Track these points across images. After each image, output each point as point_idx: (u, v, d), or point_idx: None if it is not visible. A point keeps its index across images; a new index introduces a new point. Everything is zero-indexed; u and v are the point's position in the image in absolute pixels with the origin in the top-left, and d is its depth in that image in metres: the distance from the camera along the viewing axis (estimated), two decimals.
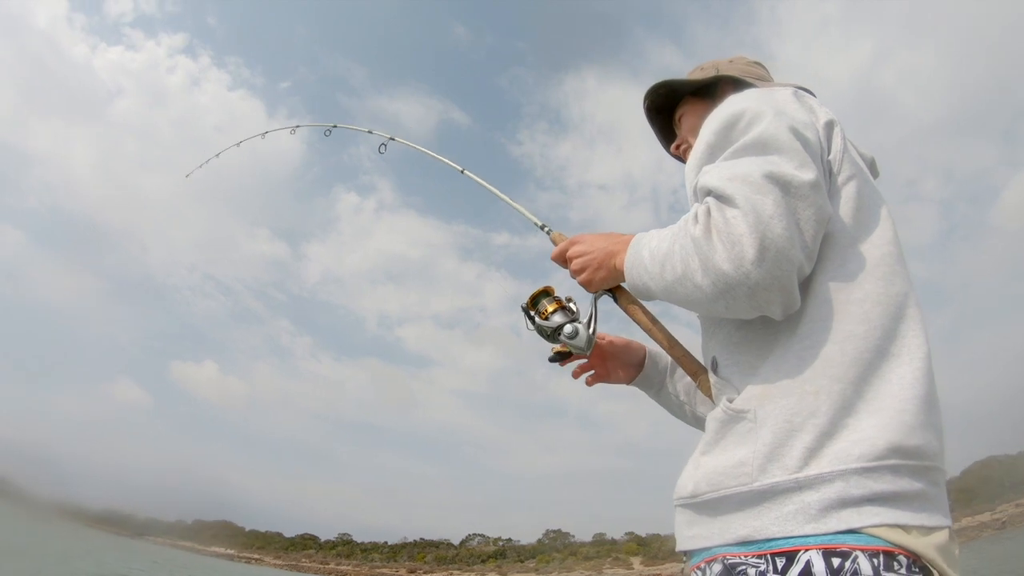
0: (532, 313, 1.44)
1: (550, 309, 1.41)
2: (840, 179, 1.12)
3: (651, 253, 1.12)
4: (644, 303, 1.34)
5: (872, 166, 1.28)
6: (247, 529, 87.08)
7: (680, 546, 1.13)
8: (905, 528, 0.91)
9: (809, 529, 0.91)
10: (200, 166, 2.97)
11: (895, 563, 0.88)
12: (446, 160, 1.93)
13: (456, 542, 78.49)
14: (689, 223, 1.05)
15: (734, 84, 1.46)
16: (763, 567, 0.94)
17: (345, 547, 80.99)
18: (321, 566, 74.49)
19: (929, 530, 0.92)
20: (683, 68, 1.55)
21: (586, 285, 1.34)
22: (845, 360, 0.99)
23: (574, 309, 1.42)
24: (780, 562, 0.92)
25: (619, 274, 1.25)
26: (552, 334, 1.39)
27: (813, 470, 0.94)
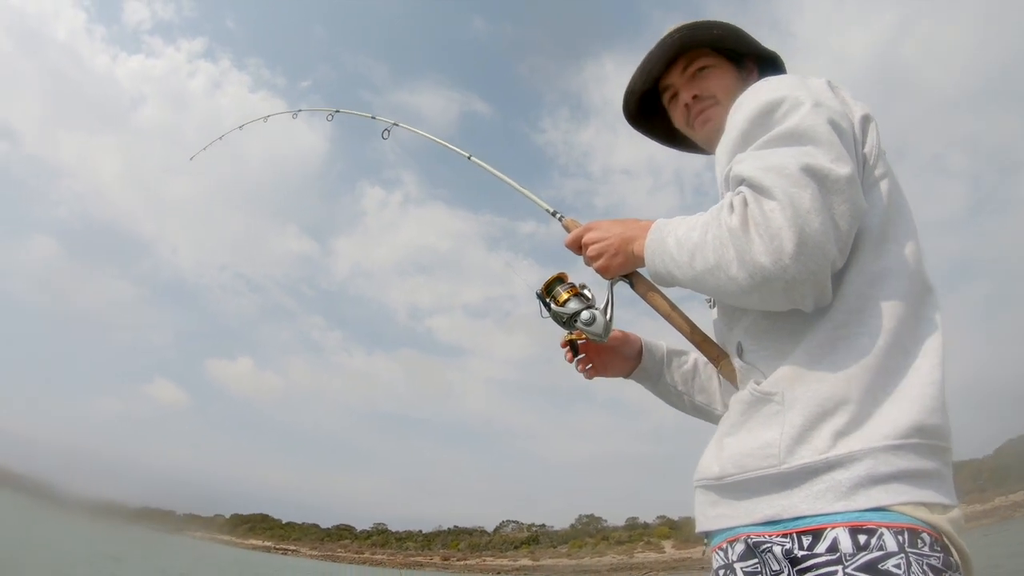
0: (547, 300, 1.42)
1: (565, 296, 1.39)
2: (875, 175, 1.12)
3: (678, 241, 1.11)
4: (663, 289, 1.33)
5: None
6: (284, 521, 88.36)
7: (701, 527, 1.15)
8: (928, 506, 0.94)
9: (840, 506, 0.93)
10: (204, 148, 3.00)
11: (919, 540, 0.91)
12: (452, 147, 1.90)
13: (490, 529, 78.94)
14: (724, 213, 1.04)
15: (759, 65, 1.45)
16: (788, 545, 0.96)
17: (380, 536, 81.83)
18: (356, 556, 75.44)
19: (946, 508, 0.96)
20: None
21: (602, 271, 1.32)
22: (876, 351, 1.01)
23: (589, 296, 1.40)
24: (807, 540, 0.95)
25: (638, 260, 1.24)
26: (568, 320, 1.37)
27: (842, 449, 0.96)
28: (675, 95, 1.47)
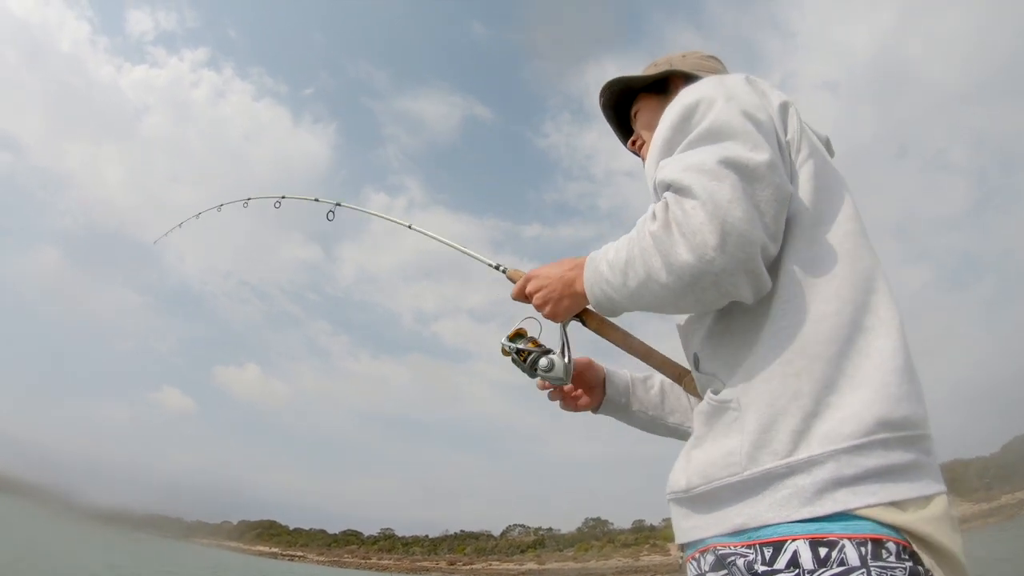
0: (513, 350, 1.44)
1: (527, 344, 1.42)
2: (799, 159, 1.12)
3: (609, 265, 1.11)
4: (613, 319, 1.34)
5: (828, 145, 1.28)
6: (291, 527, 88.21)
7: (678, 539, 1.14)
8: (901, 505, 0.91)
9: (805, 512, 0.91)
10: (166, 234, 3.03)
11: (883, 551, 0.88)
12: (393, 219, 2.00)
13: (497, 533, 78.32)
14: (647, 222, 1.05)
15: (685, 79, 1.44)
16: (751, 556, 0.95)
17: (387, 542, 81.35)
18: (363, 561, 75.19)
19: (927, 499, 0.92)
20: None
21: (552, 317, 1.32)
22: (821, 339, 0.99)
23: (546, 346, 1.43)
24: (768, 552, 0.93)
25: (582, 298, 1.22)
26: (528, 370, 1.39)
27: (803, 453, 0.94)
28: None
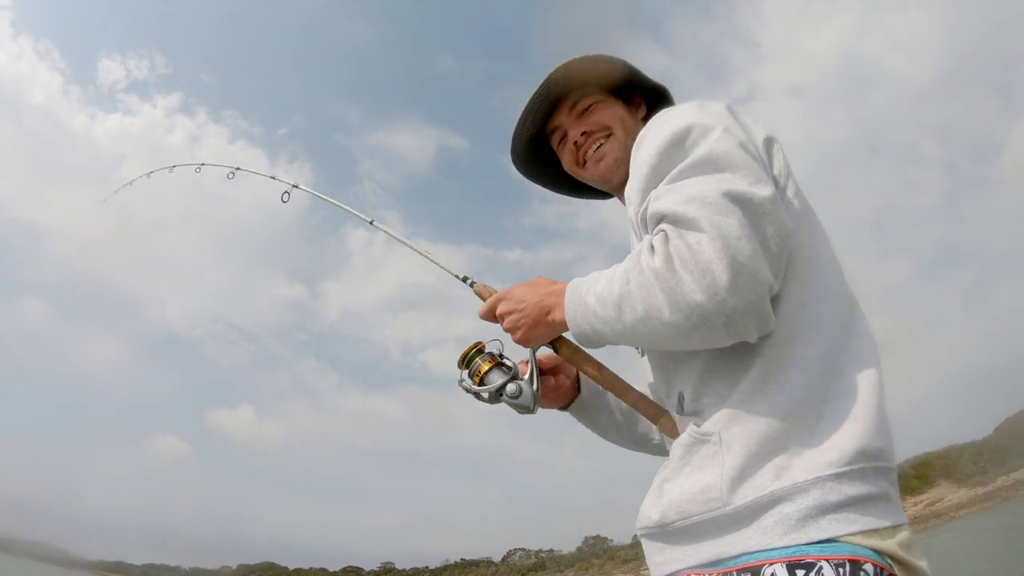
0: (468, 373, 1.34)
1: (486, 367, 1.33)
2: (788, 196, 1.10)
3: (599, 298, 1.05)
4: (589, 351, 1.27)
5: None
6: (291, 568, 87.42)
7: (653, 573, 1.11)
8: (879, 532, 0.92)
9: (788, 540, 0.90)
10: (116, 191, 3.04)
11: (861, 572, 0.88)
12: (353, 211, 1.85)
13: (497, 559, 78.08)
14: (644, 256, 0.99)
15: (646, 98, 1.46)
16: None
17: (388, 575, 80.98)
18: None
19: (896, 528, 0.94)
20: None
21: (523, 343, 1.27)
22: (809, 384, 0.99)
23: (510, 364, 1.35)
24: None
25: (559, 327, 1.18)
26: (493, 396, 1.30)
27: (787, 481, 0.93)
28: (564, 136, 1.44)
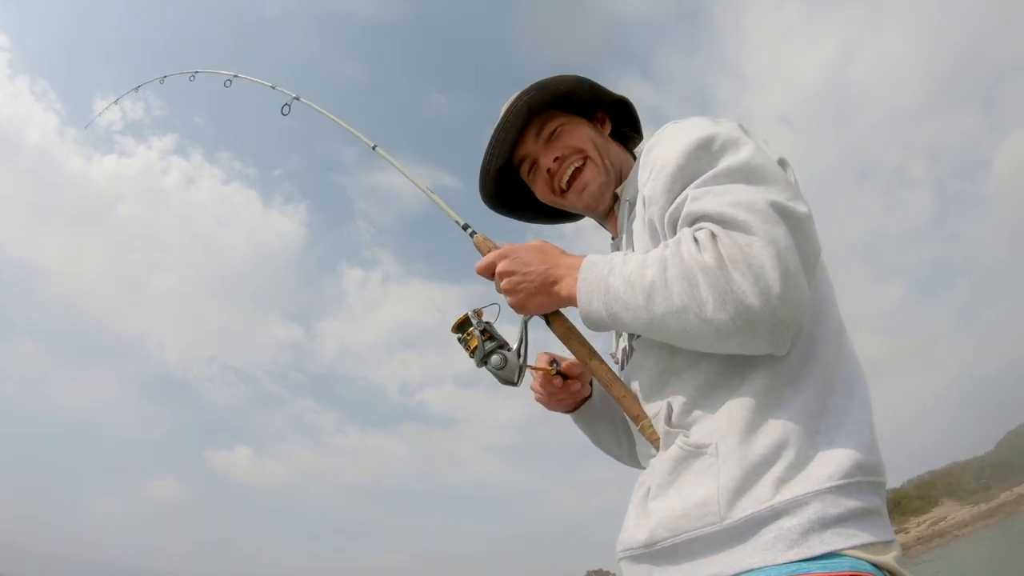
0: (463, 339, 1.30)
1: (476, 336, 1.28)
2: None
3: (627, 281, 1.00)
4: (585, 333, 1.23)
5: None
6: None
7: None
8: (876, 546, 0.89)
9: (792, 555, 0.86)
10: (100, 114, 3.14)
11: None
12: (356, 132, 1.75)
13: None
14: (687, 247, 0.94)
15: (609, 113, 1.43)
16: None
17: None
18: None
19: (889, 545, 0.91)
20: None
21: (517, 308, 1.20)
22: (809, 399, 0.97)
23: (499, 335, 1.29)
24: None
25: (563, 301, 1.14)
26: (479, 362, 1.26)
27: (787, 495, 0.89)
28: (534, 164, 1.39)
